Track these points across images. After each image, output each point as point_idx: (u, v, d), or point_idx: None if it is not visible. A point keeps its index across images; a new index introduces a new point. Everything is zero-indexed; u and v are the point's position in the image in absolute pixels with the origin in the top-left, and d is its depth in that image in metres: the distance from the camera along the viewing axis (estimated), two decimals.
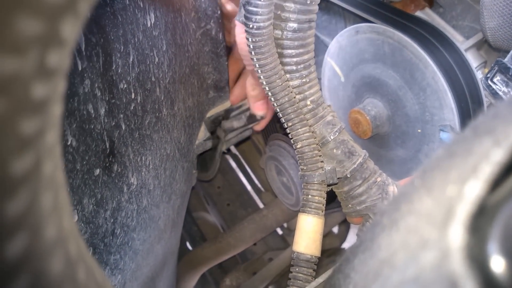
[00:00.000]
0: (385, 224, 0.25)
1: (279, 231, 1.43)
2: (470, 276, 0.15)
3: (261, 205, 1.45)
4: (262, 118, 1.05)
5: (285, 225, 1.39)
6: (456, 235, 0.16)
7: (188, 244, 1.46)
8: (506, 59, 0.56)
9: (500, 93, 0.58)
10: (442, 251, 0.16)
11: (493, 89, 0.58)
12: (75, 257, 0.20)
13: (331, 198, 0.73)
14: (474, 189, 0.17)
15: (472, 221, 0.16)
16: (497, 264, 0.16)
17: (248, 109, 1.04)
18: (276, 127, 1.19)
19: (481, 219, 0.17)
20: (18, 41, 0.14)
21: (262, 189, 1.46)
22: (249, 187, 1.49)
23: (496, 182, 0.17)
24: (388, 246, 0.23)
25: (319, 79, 0.96)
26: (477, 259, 0.16)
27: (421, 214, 0.19)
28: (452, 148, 0.22)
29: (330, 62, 0.91)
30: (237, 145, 1.48)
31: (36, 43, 0.15)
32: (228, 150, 1.51)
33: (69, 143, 0.49)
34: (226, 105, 0.98)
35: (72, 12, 0.16)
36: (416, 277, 0.17)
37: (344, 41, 0.85)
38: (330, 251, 1.36)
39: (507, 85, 0.56)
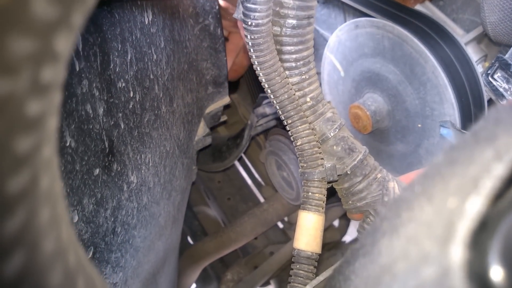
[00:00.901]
0: (386, 229, 0.25)
1: (280, 225, 1.43)
2: None
3: (261, 199, 1.45)
4: None
5: (285, 218, 1.40)
6: (457, 252, 0.16)
7: (189, 239, 1.46)
8: (506, 56, 0.55)
9: (501, 89, 0.57)
10: (443, 268, 0.16)
11: (494, 85, 0.58)
12: (75, 268, 0.20)
13: (331, 193, 0.73)
14: (475, 205, 0.16)
15: (473, 237, 0.16)
16: (496, 274, 0.16)
17: None
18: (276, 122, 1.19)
19: (481, 233, 0.17)
20: (11, 61, 0.14)
21: (263, 183, 1.46)
22: (249, 181, 1.49)
23: (497, 195, 0.17)
24: (389, 252, 0.22)
25: (319, 73, 0.96)
26: (477, 273, 0.16)
27: (421, 223, 0.19)
28: (453, 155, 0.21)
29: (330, 56, 0.90)
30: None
31: (29, 62, 0.14)
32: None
33: (68, 144, 0.49)
34: (225, 100, 0.98)
35: (66, 26, 0.16)
36: None
37: (344, 36, 0.85)
38: (331, 244, 1.36)
39: (507, 82, 0.56)
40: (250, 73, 1.23)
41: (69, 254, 0.20)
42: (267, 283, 1.34)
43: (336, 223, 1.43)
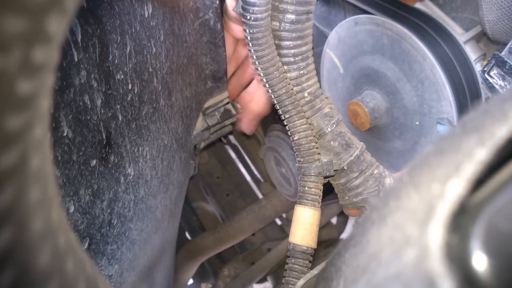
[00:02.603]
0: (375, 219, 0.25)
1: (278, 222, 1.43)
2: (448, 275, 0.15)
3: (260, 196, 1.45)
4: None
5: (284, 215, 1.40)
6: (435, 233, 0.16)
7: (187, 234, 1.46)
8: (503, 53, 0.56)
9: (497, 86, 0.57)
10: (422, 249, 0.16)
11: (490, 82, 0.58)
12: (64, 249, 0.20)
13: (329, 190, 0.74)
14: (455, 188, 0.17)
15: (452, 220, 0.16)
16: (479, 262, 0.16)
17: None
18: (275, 118, 1.19)
19: (463, 218, 0.17)
20: (2, 38, 0.14)
21: (262, 179, 1.46)
22: (248, 178, 1.50)
23: (480, 181, 0.17)
24: (377, 241, 0.23)
25: (317, 70, 0.96)
26: (458, 257, 0.16)
27: (407, 210, 0.19)
28: (441, 145, 0.22)
29: (329, 53, 0.91)
30: (236, 135, 1.48)
31: (20, 40, 0.14)
32: (228, 140, 1.51)
33: (65, 134, 0.49)
34: (224, 95, 0.98)
35: (58, 9, 0.16)
36: (399, 274, 0.17)
37: (343, 33, 0.85)
38: (328, 242, 1.36)
39: (503, 79, 0.56)
40: None
41: (59, 236, 0.20)
42: (264, 279, 1.34)
43: (334, 220, 1.43)
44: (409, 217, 0.18)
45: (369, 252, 0.24)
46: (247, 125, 1.05)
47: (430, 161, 0.21)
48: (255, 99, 1.00)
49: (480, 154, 0.17)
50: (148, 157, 0.71)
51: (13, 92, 0.15)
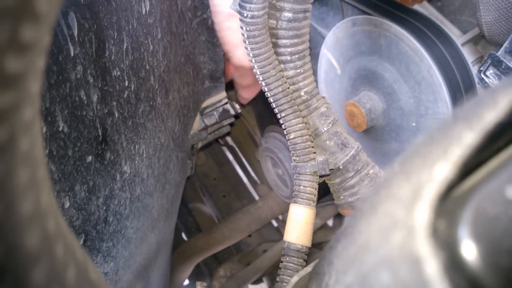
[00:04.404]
0: (366, 209, 0.25)
1: (274, 223, 1.43)
2: (434, 254, 0.15)
3: (256, 197, 1.45)
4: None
5: (280, 217, 1.40)
6: (421, 214, 0.16)
7: (183, 235, 1.46)
8: (499, 52, 0.56)
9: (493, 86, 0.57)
10: (408, 230, 0.16)
11: (486, 82, 0.58)
12: (53, 233, 0.20)
13: (326, 191, 0.73)
14: (442, 170, 0.17)
15: (439, 202, 0.16)
16: (466, 247, 0.16)
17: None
18: (272, 119, 1.19)
19: (452, 204, 0.17)
20: None
21: (258, 181, 1.46)
22: (245, 179, 1.50)
23: (470, 169, 0.17)
24: (367, 230, 0.23)
25: (315, 71, 0.96)
26: (445, 242, 0.16)
27: (397, 198, 0.19)
28: (432, 134, 0.22)
29: (327, 54, 0.91)
30: (233, 137, 1.48)
31: (7, 15, 0.14)
32: (225, 142, 1.51)
33: (60, 129, 0.49)
34: (222, 95, 0.98)
35: None
36: (386, 257, 0.17)
37: (341, 33, 0.85)
38: (324, 244, 1.36)
39: (499, 79, 0.56)
40: None
41: (48, 220, 0.20)
42: (260, 280, 1.34)
43: (330, 222, 1.43)
44: (398, 203, 0.18)
45: (360, 242, 0.24)
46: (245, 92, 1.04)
47: (421, 150, 0.21)
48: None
49: (468, 138, 0.17)
50: (144, 155, 0.71)
51: (1, 68, 0.15)
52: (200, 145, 1.11)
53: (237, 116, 1.20)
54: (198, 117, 0.96)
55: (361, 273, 0.20)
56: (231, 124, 1.10)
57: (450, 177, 0.16)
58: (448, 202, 0.17)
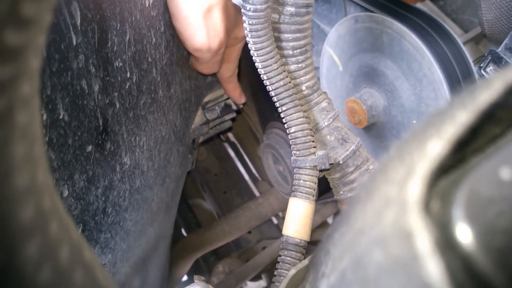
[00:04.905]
0: (362, 196, 0.25)
1: (274, 221, 1.43)
2: (425, 228, 0.15)
3: (257, 194, 1.46)
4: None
5: (280, 214, 1.40)
6: (414, 188, 0.16)
7: (183, 231, 1.46)
8: (499, 49, 0.56)
9: None
10: (400, 206, 0.16)
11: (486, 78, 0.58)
12: (48, 210, 0.20)
13: (327, 188, 0.74)
14: (435, 147, 0.17)
15: (432, 179, 0.17)
16: (460, 227, 0.16)
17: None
18: (274, 115, 1.19)
19: (447, 185, 0.17)
20: None
21: (259, 178, 1.47)
22: (246, 176, 1.50)
23: (466, 156, 0.17)
24: (362, 215, 0.23)
25: (317, 67, 0.96)
26: (439, 221, 0.16)
27: (392, 181, 0.20)
28: (429, 119, 0.22)
29: (329, 51, 0.91)
30: (235, 133, 1.49)
31: None
32: (227, 138, 1.51)
33: (61, 117, 0.49)
34: (223, 90, 0.98)
35: None
36: (379, 235, 0.17)
37: (343, 30, 0.85)
38: None
39: None
40: (250, 67, 1.23)
41: (43, 196, 0.20)
42: (259, 277, 1.34)
43: (330, 220, 1.43)
44: (392, 184, 0.18)
45: (355, 228, 0.24)
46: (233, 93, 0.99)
47: (417, 134, 0.21)
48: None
49: (461, 117, 0.17)
50: (145, 147, 0.72)
51: (1, 40, 0.15)
52: (201, 139, 1.11)
53: (239, 112, 1.20)
54: (199, 112, 0.96)
55: (355, 255, 0.21)
56: (233, 120, 1.10)
57: (443, 153, 0.17)
58: (443, 184, 0.17)
